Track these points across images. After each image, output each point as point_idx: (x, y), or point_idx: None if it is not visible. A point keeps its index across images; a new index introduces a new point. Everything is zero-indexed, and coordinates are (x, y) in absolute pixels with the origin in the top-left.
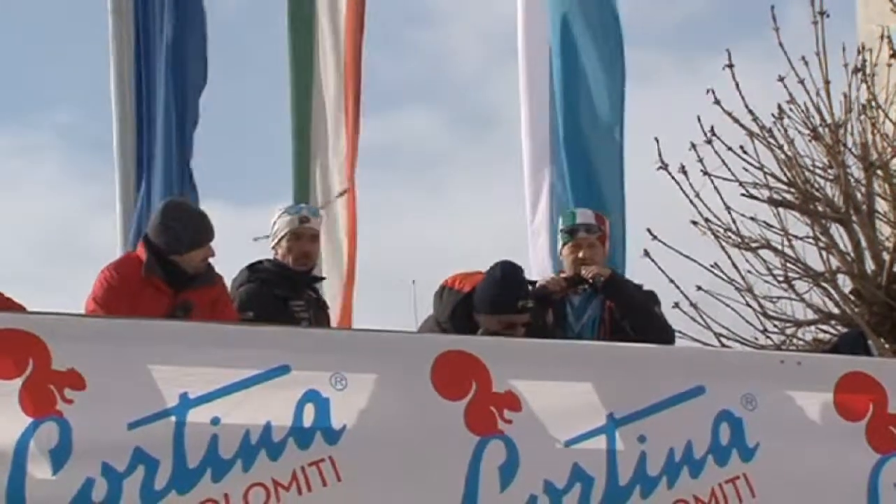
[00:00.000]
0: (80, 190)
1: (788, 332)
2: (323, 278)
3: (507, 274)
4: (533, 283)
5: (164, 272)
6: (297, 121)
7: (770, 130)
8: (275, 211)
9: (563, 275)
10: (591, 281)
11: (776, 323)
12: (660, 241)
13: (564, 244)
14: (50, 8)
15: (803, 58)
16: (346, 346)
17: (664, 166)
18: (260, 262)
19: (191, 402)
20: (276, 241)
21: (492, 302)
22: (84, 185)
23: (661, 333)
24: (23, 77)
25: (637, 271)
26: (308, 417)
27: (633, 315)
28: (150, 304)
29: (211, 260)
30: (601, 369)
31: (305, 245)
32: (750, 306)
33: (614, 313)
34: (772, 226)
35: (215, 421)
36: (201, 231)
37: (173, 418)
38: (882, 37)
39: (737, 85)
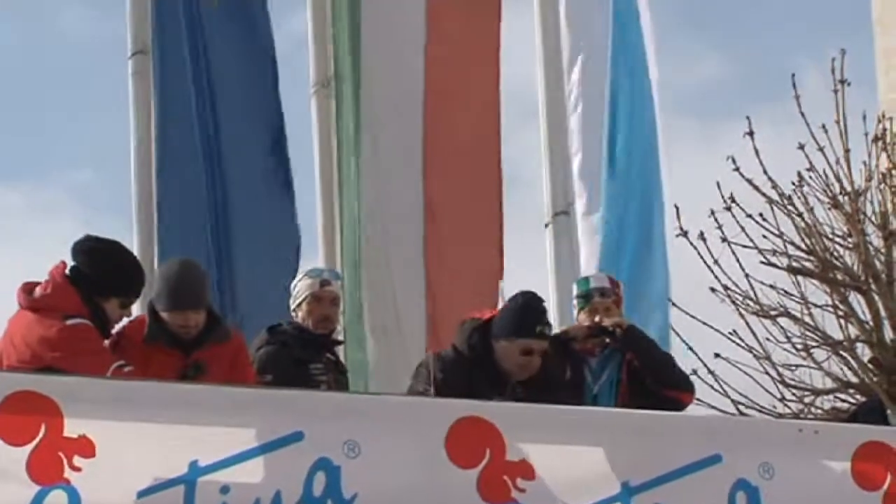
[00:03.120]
0: None
1: (807, 400)
2: (342, 342)
3: (529, 301)
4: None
5: (168, 336)
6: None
7: (790, 198)
8: (296, 274)
9: (585, 322)
10: (611, 330)
11: (794, 391)
12: (678, 307)
13: (580, 310)
14: (70, 67)
15: (823, 126)
16: (362, 412)
17: (683, 233)
18: (280, 324)
19: (201, 469)
20: (296, 303)
21: (511, 326)
22: None
23: (682, 384)
24: (41, 135)
25: None
26: (319, 486)
27: (653, 365)
28: (160, 367)
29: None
30: (617, 436)
31: (326, 308)
32: (768, 374)
33: (632, 373)
34: (791, 294)
35: (225, 489)
36: (180, 296)
37: (183, 487)
38: None
39: (756, 152)
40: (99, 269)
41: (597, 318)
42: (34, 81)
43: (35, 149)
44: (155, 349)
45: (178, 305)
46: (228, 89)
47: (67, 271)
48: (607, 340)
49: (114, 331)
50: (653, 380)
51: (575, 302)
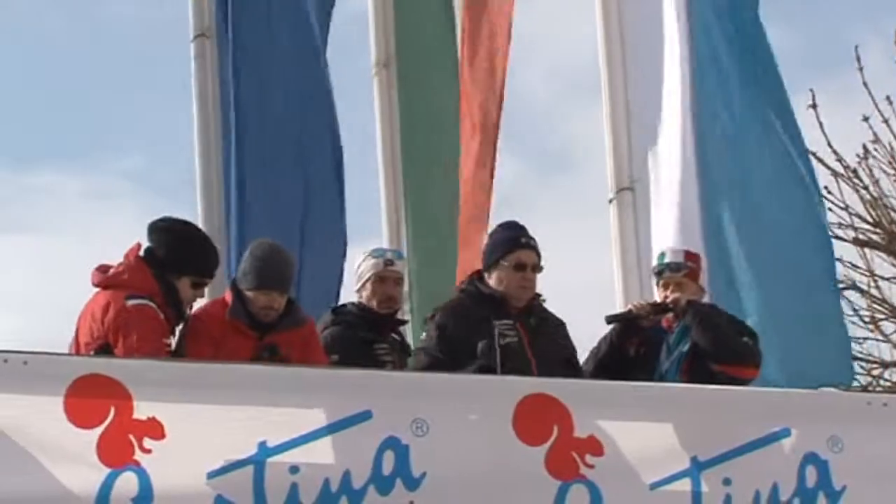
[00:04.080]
0: None
1: (875, 373)
2: (406, 321)
3: (507, 224)
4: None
5: (248, 316)
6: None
7: (855, 171)
8: (359, 254)
9: (649, 301)
10: (672, 306)
11: (862, 364)
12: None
13: (657, 286)
14: (123, 52)
15: (888, 97)
16: (429, 391)
17: None
18: (344, 305)
19: (270, 450)
20: (360, 283)
21: (497, 247)
22: None
23: (743, 359)
24: (95, 122)
25: None
26: (388, 465)
27: (708, 341)
28: (235, 348)
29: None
30: (684, 412)
31: (390, 288)
32: None
33: (696, 347)
34: (857, 266)
35: (294, 469)
36: (269, 276)
37: (252, 467)
38: None
39: (820, 125)
40: (171, 248)
41: (666, 294)
42: (88, 69)
43: (90, 136)
44: (233, 328)
45: (265, 285)
46: (291, 72)
47: (141, 252)
48: (671, 316)
49: (190, 311)
50: (711, 355)
51: (654, 278)
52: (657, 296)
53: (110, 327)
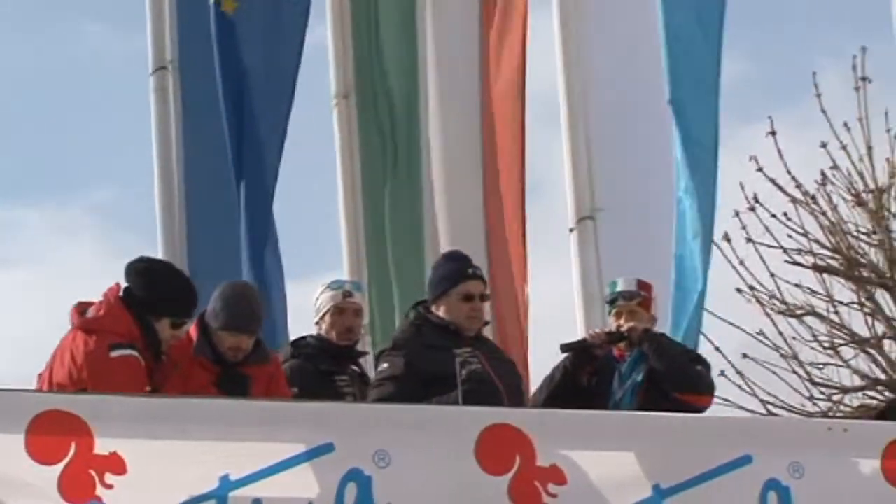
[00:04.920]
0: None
1: (835, 398)
2: (366, 353)
3: (450, 255)
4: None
5: (214, 354)
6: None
7: (813, 197)
8: (317, 286)
9: (604, 330)
10: (627, 335)
11: (822, 390)
12: (705, 309)
13: (609, 313)
14: (90, 85)
15: (846, 123)
16: (391, 422)
17: None
18: (303, 337)
19: (232, 483)
20: (319, 316)
21: (443, 280)
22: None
23: (698, 387)
24: (60, 155)
25: None
26: (350, 497)
27: (666, 369)
28: (199, 383)
29: None
30: (646, 440)
31: (349, 320)
32: (796, 373)
33: (652, 376)
34: (816, 292)
35: (257, 503)
36: (239, 318)
37: (214, 502)
38: None
39: (779, 152)
40: (150, 289)
41: (619, 322)
42: (54, 102)
43: (54, 168)
44: (198, 363)
45: (235, 327)
46: (256, 98)
47: (121, 293)
48: (623, 345)
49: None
50: (667, 383)
51: (606, 307)
52: (610, 324)
53: (92, 376)
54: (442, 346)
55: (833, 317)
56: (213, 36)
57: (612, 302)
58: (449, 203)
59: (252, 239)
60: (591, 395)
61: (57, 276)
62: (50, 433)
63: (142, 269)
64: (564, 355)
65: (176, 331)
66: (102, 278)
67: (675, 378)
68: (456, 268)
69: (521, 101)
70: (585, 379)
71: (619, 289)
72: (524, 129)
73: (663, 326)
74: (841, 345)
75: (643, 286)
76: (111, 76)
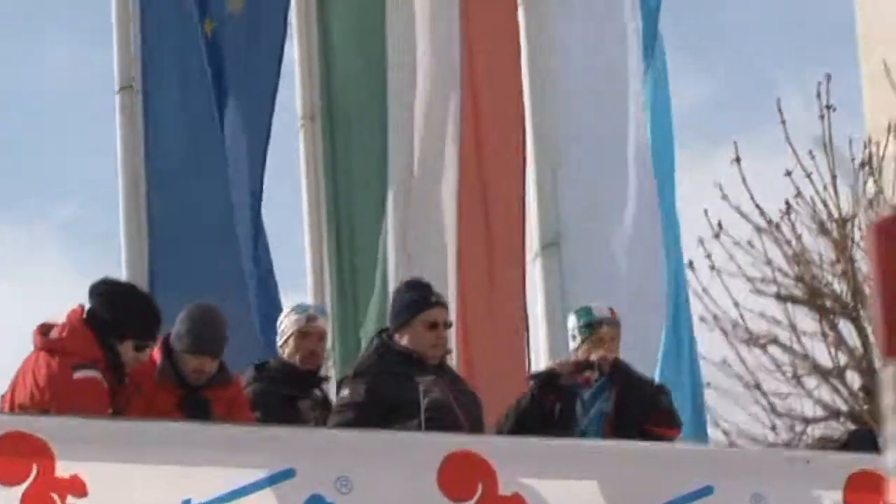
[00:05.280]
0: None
1: (797, 428)
2: (329, 378)
3: (410, 283)
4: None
5: (177, 376)
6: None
7: (777, 225)
8: (282, 309)
9: (571, 359)
10: (597, 364)
11: (785, 420)
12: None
13: (584, 339)
14: (55, 101)
15: (810, 151)
16: (353, 448)
17: None
18: (267, 361)
19: None
20: (282, 339)
21: (407, 308)
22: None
23: (667, 420)
24: (25, 172)
25: None
26: None
27: (636, 400)
28: (163, 405)
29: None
30: (609, 468)
31: (312, 344)
32: (759, 403)
33: (620, 406)
34: (780, 321)
35: None
36: (203, 341)
37: None
38: (889, 129)
39: (743, 179)
40: (114, 311)
41: (598, 350)
42: (19, 119)
43: (19, 185)
44: (161, 386)
45: (199, 350)
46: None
47: (84, 314)
48: (593, 374)
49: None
50: (638, 415)
51: (576, 332)
52: (582, 349)
53: (54, 398)
54: (404, 374)
55: (796, 346)
56: (190, 53)
57: (589, 327)
58: (416, 232)
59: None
60: (557, 423)
61: (23, 294)
62: (12, 455)
63: (105, 291)
64: (531, 383)
65: (139, 353)
66: (69, 296)
67: (646, 410)
68: (419, 295)
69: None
70: (550, 406)
71: (596, 315)
72: (524, 147)
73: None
74: (804, 375)
75: (613, 312)
76: (76, 93)
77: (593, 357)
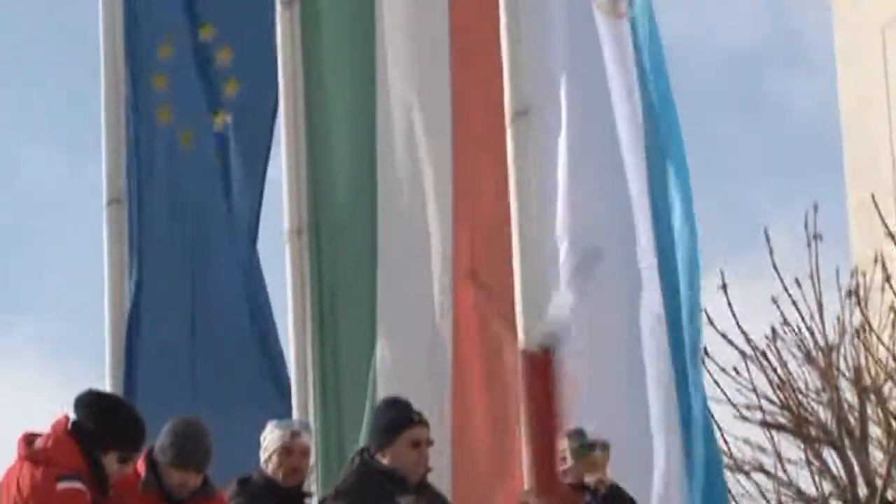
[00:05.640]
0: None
1: None
2: (312, 493)
3: (390, 402)
4: None
5: (160, 489)
6: None
7: (763, 353)
8: (266, 424)
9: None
10: (593, 488)
11: None
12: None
13: (576, 460)
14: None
15: (797, 280)
16: None
17: None
18: (250, 476)
19: None
20: (266, 455)
21: (389, 427)
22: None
23: None
24: (6, 283)
25: None
26: None
27: None
28: None
29: None
30: None
31: (296, 460)
32: None
33: None
34: (764, 449)
35: None
36: (188, 455)
37: None
38: (876, 260)
39: (730, 306)
40: (99, 423)
41: (578, 476)
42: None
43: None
44: (146, 500)
45: (185, 464)
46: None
47: (69, 425)
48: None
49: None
50: None
51: (567, 455)
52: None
53: None
54: (385, 494)
55: (780, 474)
56: (166, 170)
57: (582, 450)
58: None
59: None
60: None
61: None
62: None
63: (90, 402)
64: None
65: (123, 465)
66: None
67: None
68: (400, 414)
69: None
70: None
71: (590, 439)
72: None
73: None
74: (788, 503)
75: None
76: (64, 205)
77: (589, 480)
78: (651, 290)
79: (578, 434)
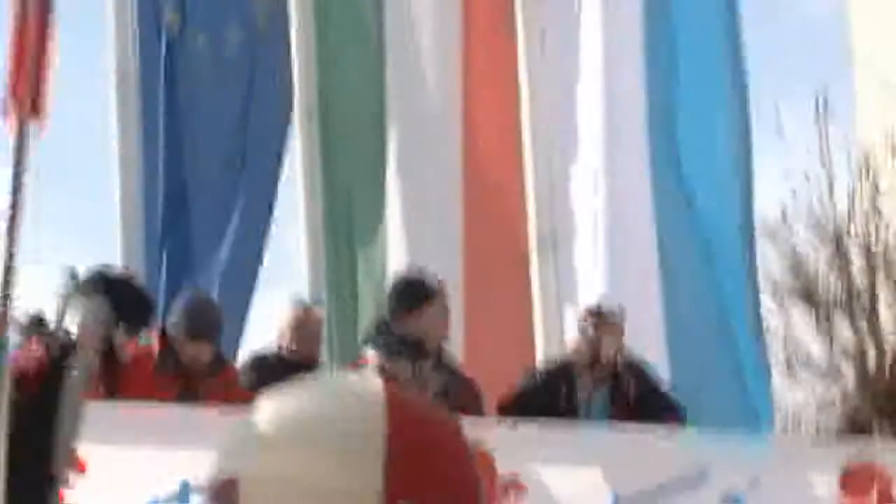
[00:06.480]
0: None
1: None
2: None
3: (412, 269)
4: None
5: (175, 364)
6: None
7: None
8: (279, 301)
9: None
10: (610, 359)
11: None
12: None
13: (594, 330)
14: None
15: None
16: None
17: None
18: (264, 354)
19: (193, 489)
20: (280, 331)
21: (418, 287)
22: None
23: (673, 412)
24: None
25: None
26: None
27: (651, 395)
28: (161, 393)
29: None
30: (606, 452)
31: (309, 335)
32: None
33: (625, 398)
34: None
35: None
36: (199, 327)
37: None
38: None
39: None
40: (106, 297)
41: (595, 345)
42: None
43: None
44: (162, 377)
45: (197, 335)
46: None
47: None
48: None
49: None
50: (648, 409)
51: (585, 324)
52: (575, 339)
53: None
54: (407, 359)
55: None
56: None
57: (598, 319)
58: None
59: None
60: (561, 413)
61: None
62: None
63: (97, 278)
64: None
65: (130, 337)
66: None
67: (657, 406)
68: (424, 282)
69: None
70: (557, 394)
71: (606, 308)
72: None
73: None
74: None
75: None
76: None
77: (607, 350)
78: None
79: (594, 304)
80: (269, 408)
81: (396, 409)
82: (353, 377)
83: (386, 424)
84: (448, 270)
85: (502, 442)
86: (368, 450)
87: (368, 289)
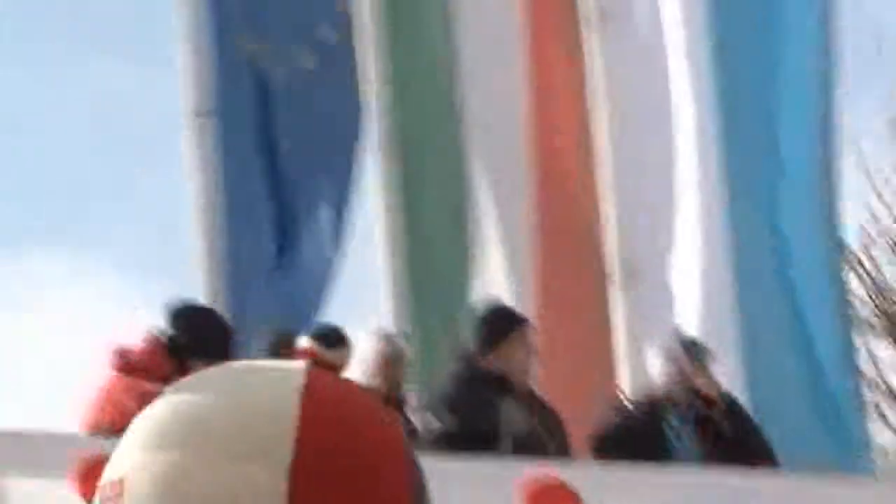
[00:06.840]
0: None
1: None
2: (408, 401)
3: (499, 301)
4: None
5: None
6: None
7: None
8: (364, 335)
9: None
10: (711, 398)
11: None
12: None
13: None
14: (120, 129)
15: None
16: (432, 473)
17: None
18: None
19: None
20: (364, 365)
21: (504, 319)
22: None
23: (770, 457)
24: (83, 201)
25: None
26: None
27: (749, 438)
28: None
29: None
30: (696, 495)
31: (396, 371)
32: None
33: (720, 439)
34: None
35: None
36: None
37: None
38: None
39: None
40: (189, 332)
41: (687, 381)
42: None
43: (77, 212)
44: None
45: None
46: None
47: (160, 334)
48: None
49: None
50: (744, 452)
51: (677, 359)
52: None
53: (124, 412)
54: (490, 400)
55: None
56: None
57: (692, 354)
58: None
59: None
60: (653, 452)
61: (79, 320)
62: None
63: (178, 313)
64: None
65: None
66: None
67: (754, 451)
68: (509, 314)
69: None
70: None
71: (700, 344)
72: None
73: None
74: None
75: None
76: (142, 118)
77: (704, 389)
78: None
79: (690, 339)
80: (168, 401)
81: (314, 405)
82: (275, 364)
83: (297, 424)
84: (522, 301)
85: (592, 484)
86: (272, 452)
87: (449, 321)
